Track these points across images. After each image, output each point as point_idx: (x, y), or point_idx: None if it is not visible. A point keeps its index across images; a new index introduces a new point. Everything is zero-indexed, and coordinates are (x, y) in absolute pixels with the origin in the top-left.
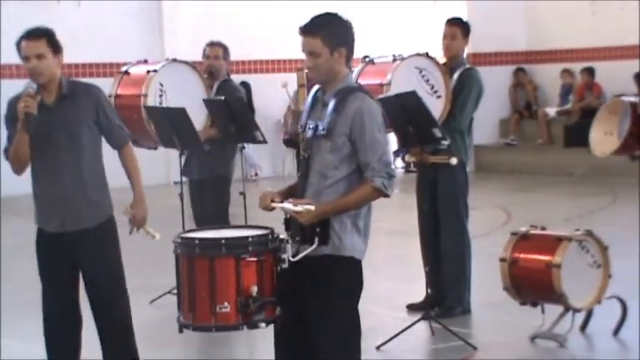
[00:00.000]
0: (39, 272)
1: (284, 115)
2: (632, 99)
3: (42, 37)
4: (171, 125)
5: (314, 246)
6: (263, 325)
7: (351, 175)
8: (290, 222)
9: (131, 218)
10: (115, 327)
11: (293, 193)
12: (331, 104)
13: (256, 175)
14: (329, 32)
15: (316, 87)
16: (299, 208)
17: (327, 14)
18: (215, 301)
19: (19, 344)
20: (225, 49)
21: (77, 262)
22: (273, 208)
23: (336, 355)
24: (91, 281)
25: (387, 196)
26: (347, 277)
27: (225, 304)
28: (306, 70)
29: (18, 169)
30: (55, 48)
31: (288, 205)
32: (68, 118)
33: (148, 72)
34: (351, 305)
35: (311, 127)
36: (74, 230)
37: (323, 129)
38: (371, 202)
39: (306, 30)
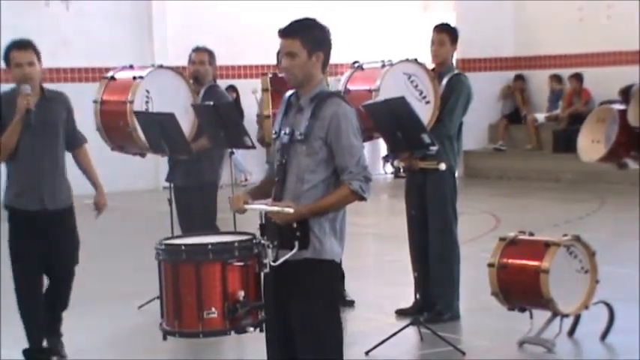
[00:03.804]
0: (10, 249)
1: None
2: (621, 107)
3: (29, 47)
4: (160, 130)
5: (294, 250)
6: (251, 329)
7: (328, 179)
8: (266, 227)
9: (97, 205)
10: None
11: (263, 192)
12: (309, 109)
13: (246, 180)
14: (308, 35)
15: (289, 92)
16: (276, 208)
17: (307, 19)
18: (202, 307)
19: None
20: (210, 54)
21: (48, 238)
22: (245, 210)
23: (321, 357)
24: (56, 256)
25: (363, 199)
26: (329, 280)
27: (213, 309)
28: (269, 75)
29: (2, 157)
30: (39, 56)
31: (263, 205)
32: (48, 117)
33: (135, 78)
34: (335, 307)
35: (286, 132)
36: (52, 209)
37: (300, 134)
38: (347, 205)
39: (286, 32)
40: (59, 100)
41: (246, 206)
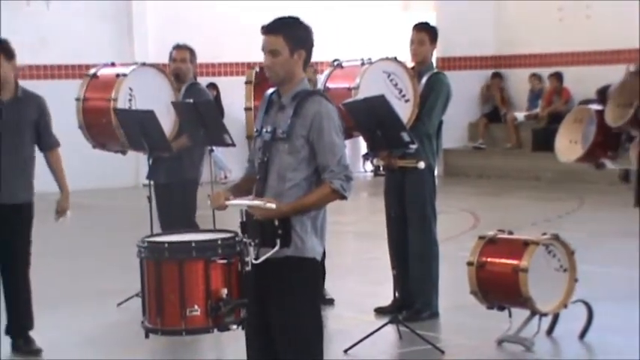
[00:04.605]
0: None
1: None
2: (598, 107)
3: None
4: (140, 128)
5: (276, 248)
6: (234, 326)
7: (310, 178)
8: (247, 225)
9: (59, 209)
10: None
11: (242, 190)
12: (291, 108)
13: (226, 177)
14: (291, 33)
15: (270, 90)
16: (258, 202)
17: (290, 17)
18: (185, 304)
19: None
20: (191, 51)
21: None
22: (226, 207)
23: (302, 356)
24: (6, 250)
25: (344, 198)
26: (311, 278)
27: (195, 307)
28: (256, 69)
29: None
30: (9, 55)
31: (245, 201)
32: (16, 116)
33: (118, 76)
34: (316, 306)
35: (268, 130)
36: (7, 203)
37: (283, 132)
38: (327, 204)
39: (269, 29)
40: (32, 102)
41: (227, 202)
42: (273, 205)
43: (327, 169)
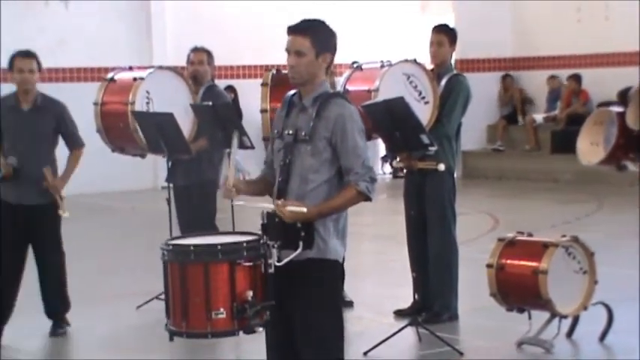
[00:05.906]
0: None
1: None
2: (619, 109)
3: (33, 56)
4: (158, 131)
5: (299, 250)
6: (260, 329)
7: (331, 180)
8: (269, 227)
9: (46, 183)
10: None
11: (255, 188)
12: (313, 110)
13: (244, 179)
14: (318, 36)
15: (291, 92)
16: (294, 208)
17: (317, 20)
18: (210, 307)
19: None
20: (209, 54)
21: (29, 231)
22: (236, 194)
23: (323, 357)
24: (40, 248)
25: (369, 199)
26: (332, 279)
27: (221, 309)
28: (273, 72)
29: None
30: (40, 66)
31: (271, 204)
32: (36, 123)
33: (135, 79)
34: (337, 308)
35: (290, 132)
36: (30, 204)
37: (305, 134)
38: (352, 206)
39: (297, 29)
40: (51, 110)
41: (250, 203)
42: (304, 209)
43: (351, 171)
